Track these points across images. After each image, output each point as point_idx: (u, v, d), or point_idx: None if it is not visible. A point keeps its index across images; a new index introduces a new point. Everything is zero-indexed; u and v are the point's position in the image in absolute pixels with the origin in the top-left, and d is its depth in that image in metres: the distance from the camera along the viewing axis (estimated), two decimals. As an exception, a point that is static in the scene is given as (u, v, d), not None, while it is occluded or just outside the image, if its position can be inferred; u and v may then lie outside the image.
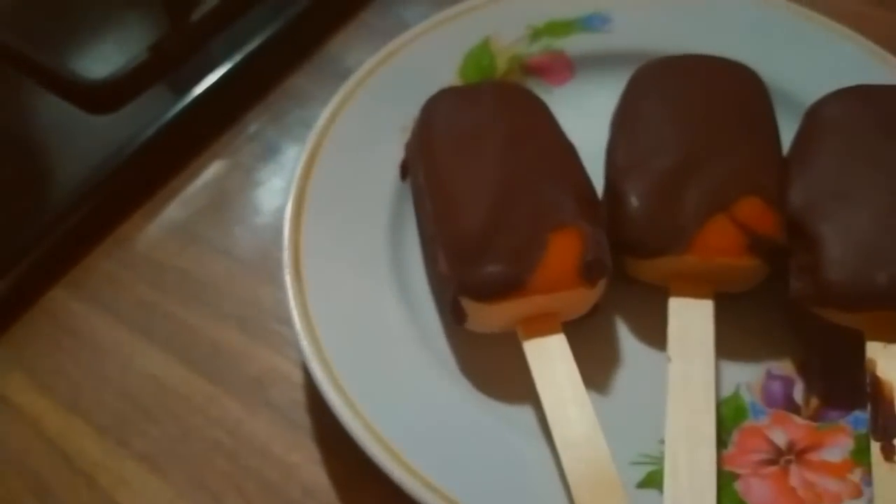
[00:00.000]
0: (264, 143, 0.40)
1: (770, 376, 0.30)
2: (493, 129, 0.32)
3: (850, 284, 0.27)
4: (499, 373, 0.30)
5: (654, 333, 0.30)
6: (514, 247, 0.29)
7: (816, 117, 0.33)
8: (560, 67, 0.39)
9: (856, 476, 0.27)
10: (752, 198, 0.30)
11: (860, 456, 0.27)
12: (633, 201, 0.30)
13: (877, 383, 0.27)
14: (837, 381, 0.30)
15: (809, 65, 0.37)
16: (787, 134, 0.33)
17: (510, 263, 0.28)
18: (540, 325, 0.29)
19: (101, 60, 0.41)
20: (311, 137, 0.35)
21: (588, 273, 0.29)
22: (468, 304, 0.29)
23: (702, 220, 0.29)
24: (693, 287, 0.30)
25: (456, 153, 0.32)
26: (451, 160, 0.31)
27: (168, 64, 0.40)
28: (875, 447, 0.26)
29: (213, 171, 0.39)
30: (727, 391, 0.30)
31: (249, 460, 0.30)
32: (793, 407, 0.30)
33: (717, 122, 0.32)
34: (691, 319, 0.29)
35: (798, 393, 0.30)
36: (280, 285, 0.31)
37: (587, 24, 0.40)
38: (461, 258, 0.29)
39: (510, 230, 0.29)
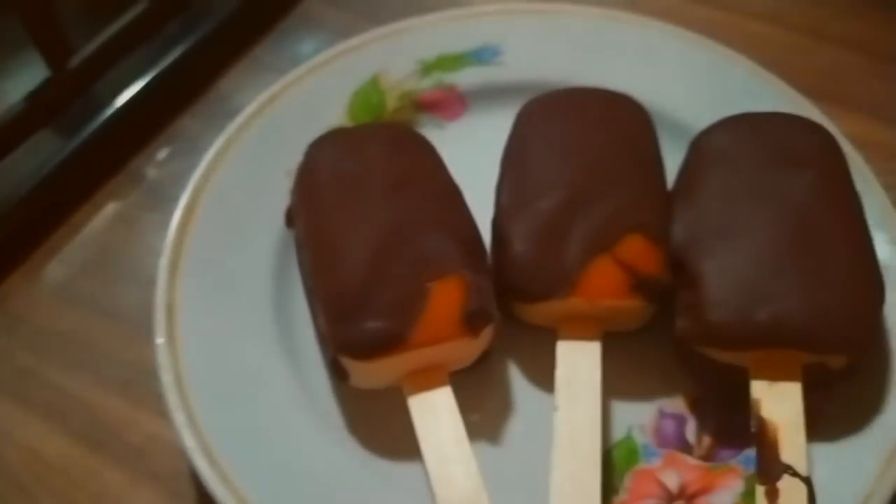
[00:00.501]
0: (151, 191, 0.38)
1: (662, 415, 0.30)
2: (376, 175, 0.31)
3: (732, 324, 0.27)
4: (387, 430, 0.29)
5: (548, 377, 0.29)
6: (394, 300, 0.28)
7: (701, 149, 0.32)
8: (452, 102, 0.38)
9: (745, 519, 0.27)
10: (635, 236, 0.29)
11: (749, 498, 0.27)
12: (517, 245, 0.29)
13: (762, 425, 0.26)
14: (729, 419, 0.29)
15: (699, 92, 0.37)
16: (675, 162, 0.33)
17: (389, 318, 0.27)
18: (425, 379, 0.28)
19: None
20: (189, 187, 0.33)
21: (471, 322, 0.28)
22: (348, 363, 0.28)
23: (585, 262, 0.29)
24: (581, 329, 0.29)
25: (337, 201, 0.31)
26: (332, 209, 0.30)
27: (47, 113, 0.38)
28: (760, 491, 0.25)
29: (96, 223, 0.37)
30: (619, 434, 0.30)
31: (132, 535, 0.29)
32: (685, 447, 0.29)
33: (601, 159, 0.32)
34: (578, 364, 0.29)
35: (690, 431, 0.30)
36: (164, 345, 0.30)
37: (478, 57, 0.39)
38: (338, 314, 0.28)
39: (390, 282, 0.28)
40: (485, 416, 0.29)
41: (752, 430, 0.26)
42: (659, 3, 0.45)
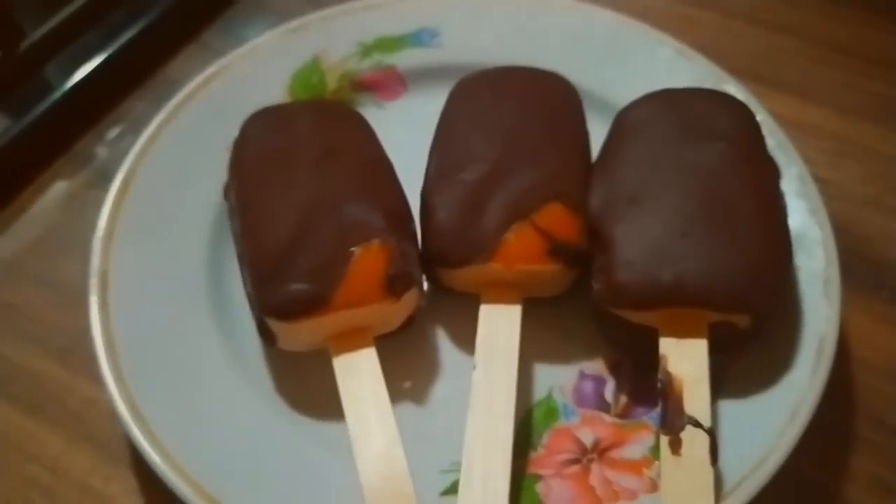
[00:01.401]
0: (96, 170, 0.39)
1: (582, 376, 0.31)
2: (306, 148, 0.32)
3: (639, 284, 0.28)
4: (313, 391, 0.30)
5: (472, 342, 0.31)
6: (318, 263, 0.29)
7: (622, 122, 0.34)
8: (392, 82, 0.40)
9: (653, 472, 0.28)
10: (553, 205, 0.31)
11: (659, 452, 0.28)
12: (440, 213, 0.31)
13: (667, 378, 0.28)
14: (646, 379, 0.30)
15: (626, 71, 0.38)
16: (600, 136, 0.34)
17: (312, 281, 0.28)
18: (350, 341, 0.29)
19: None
20: (127, 160, 0.34)
21: (392, 286, 0.29)
22: (274, 325, 0.29)
23: (504, 229, 0.30)
24: (502, 294, 0.30)
25: (266, 172, 0.32)
26: (261, 180, 0.31)
27: (-3, 93, 0.39)
28: (664, 441, 0.26)
29: (43, 202, 0.38)
30: (540, 394, 0.31)
31: (68, 495, 0.30)
32: (604, 406, 0.30)
33: (525, 133, 0.33)
34: (498, 326, 0.30)
35: (609, 392, 0.31)
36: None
37: (416, 39, 0.40)
38: (263, 278, 0.29)
39: (314, 248, 0.29)
40: (412, 379, 0.31)
41: (658, 385, 0.28)
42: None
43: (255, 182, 0.31)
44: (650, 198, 0.30)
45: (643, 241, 0.29)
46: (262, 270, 0.29)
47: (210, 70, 0.38)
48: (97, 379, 0.32)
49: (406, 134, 0.35)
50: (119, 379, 0.28)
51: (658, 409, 0.29)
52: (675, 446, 0.26)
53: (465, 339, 0.31)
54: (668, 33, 0.40)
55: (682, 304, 0.28)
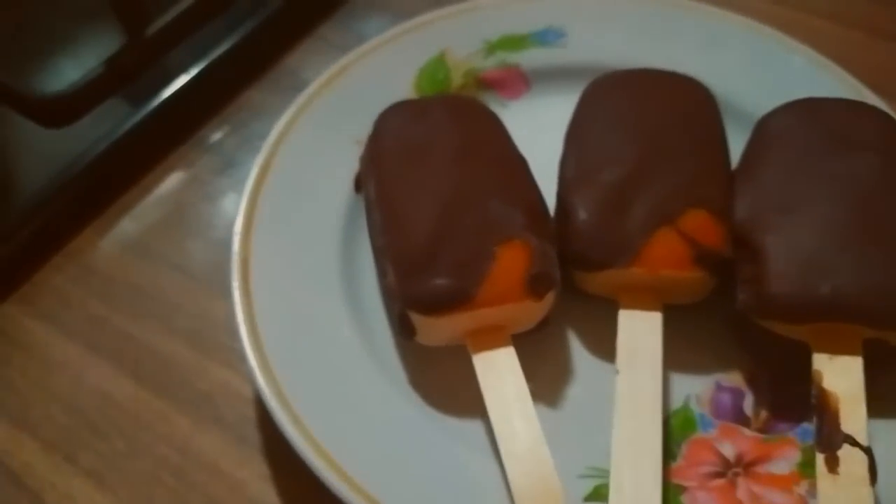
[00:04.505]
0: (220, 157, 0.40)
1: (719, 388, 0.30)
2: (444, 142, 0.32)
3: (794, 296, 0.28)
4: (449, 386, 0.30)
5: (605, 346, 0.30)
6: (461, 259, 0.29)
7: (764, 130, 0.33)
8: (515, 81, 0.39)
9: (801, 489, 0.27)
10: (698, 210, 0.30)
11: (806, 468, 0.27)
12: (580, 214, 0.30)
13: (822, 395, 0.27)
14: (786, 393, 0.30)
15: (761, 78, 0.38)
16: (739, 147, 0.33)
17: (457, 276, 0.28)
18: (489, 338, 0.29)
19: (56, 73, 0.40)
20: (264, 150, 0.35)
21: (534, 286, 0.29)
22: (416, 318, 0.29)
23: (648, 233, 0.29)
24: (642, 299, 0.30)
25: (406, 166, 0.32)
26: (401, 173, 0.31)
27: (123, 78, 0.40)
28: (820, 459, 0.26)
29: (167, 184, 0.39)
30: (676, 403, 0.30)
31: (197, 476, 0.30)
32: (742, 419, 0.30)
33: (666, 136, 0.32)
34: (640, 332, 0.29)
35: (748, 405, 0.30)
36: (231, 300, 0.31)
37: (541, 38, 0.40)
38: (408, 271, 0.29)
39: (457, 243, 0.29)
40: (543, 380, 0.30)
41: (813, 400, 0.27)
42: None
43: (394, 175, 0.31)
44: (801, 208, 0.29)
45: (797, 251, 0.28)
46: (406, 263, 0.29)
47: (340, 63, 0.38)
48: (226, 362, 0.33)
49: (529, 133, 0.34)
50: (264, 367, 0.28)
51: (801, 425, 0.29)
52: (832, 465, 0.26)
53: (597, 341, 0.31)
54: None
55: (838, 319, 0.27)
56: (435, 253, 0.29)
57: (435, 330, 0.29)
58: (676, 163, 0.31)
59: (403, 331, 0.29)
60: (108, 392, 0.32)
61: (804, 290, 0.27)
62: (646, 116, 0.33)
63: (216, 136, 0.41)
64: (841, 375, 0.27)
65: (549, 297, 0.29)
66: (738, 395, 0.30)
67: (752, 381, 0.30)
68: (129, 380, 0.32)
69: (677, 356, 0.30)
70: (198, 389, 0.32)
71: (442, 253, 0.29)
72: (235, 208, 0.37)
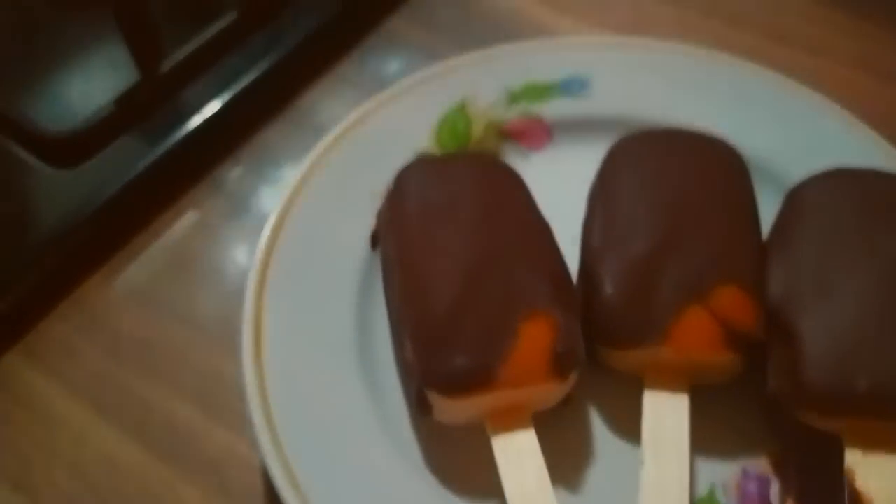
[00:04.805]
0: (232, 200, 0.39)
1: (746, 476, 0.29)
2: (467, 206, 0.31)
3: (829, 388, 0.26)
4: (466, 466, 0.29)
5: (629, 423, 0.29)
6: (483, 335, 0.28)
7: (798, 201, 0.32)
8: (537, 132, 0.38)
9: (831, 586, 0.26)
10: (729, 286, 0.29)
11: (836, 565, 0.26)
12: (607, 288, 0.29)
13: (855, 496, 0.26)
14: (814, 482, 0.29)
15: (791, 138, 0.37)
16: (767, 209, 0.32)
17: (478, 355, 0.27)
18: (509, 419, 0.28)
19: (65, 109, 0.39)
20: (278, 206, 0.34)
21: (559, 366, 0.28)
22: (434, 397, 0.28)
23: (677, 311, 0.28)
24: (668, 379, 0.29)
25: (427, 230, 0.30)
26: (422, 237, 0.30)
27: (136, 115, 0.39)
28: (851, 561, 0.25)
29: (177, 229, 0.38)
30: (702, 491, 0.29)
31: (204, 551, 0.29)
32: (769, 508, 0.29)
33: (695, 204, 0.31)
34: (666, 417, 0.28)
35: (774, 494, 0.29)
36: (240, 359, 0.30)
37: (565, 88, 0.39)
38: (427, 348, 0.28)
39: (479, 316, 0.28)
40: (564, 461, 0.29)
41: (847, 501, 0.26)
42: (744, 42, 0.44)
43: (413, 240, 0.30)
44: (838, 288, 0.28)
45: (834, 339, 0.27)
46: (426, 339, 0.28)
47: (358, 112, 0.37)
48: (233, 426, 0.32)
49: (551, 185, 0.33)
50: (274, 442, 0.27)
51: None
52: (866, 569, 0.25)
53: (620, 418, 0.30)
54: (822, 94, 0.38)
55: (875, 416, 0.26)
56: (456, 327, 0.28)
57: (453, 409, 0.28)
58: (706, 234, 0.30)
59: (420, 408, 0.28)
60: (113, 456, 0.31)
61: (840, 382, 0.26)
62: (674, 182, 0.32)
63: (228, 177, 0.40)
64: (876, 475, 0.26)
65: (574, 376, 0.28)
66: (764, 483, 0.29)
67: (779, 468, 0.29)
68: (134, 443, 0.31)
69: (703, 439, 0.29)
70: (205, 455, 0.31)
71: (463, 327, 0.28)
72: (246, 256, 0.37)
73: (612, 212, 0.32)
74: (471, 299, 0.28)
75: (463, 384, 0.27)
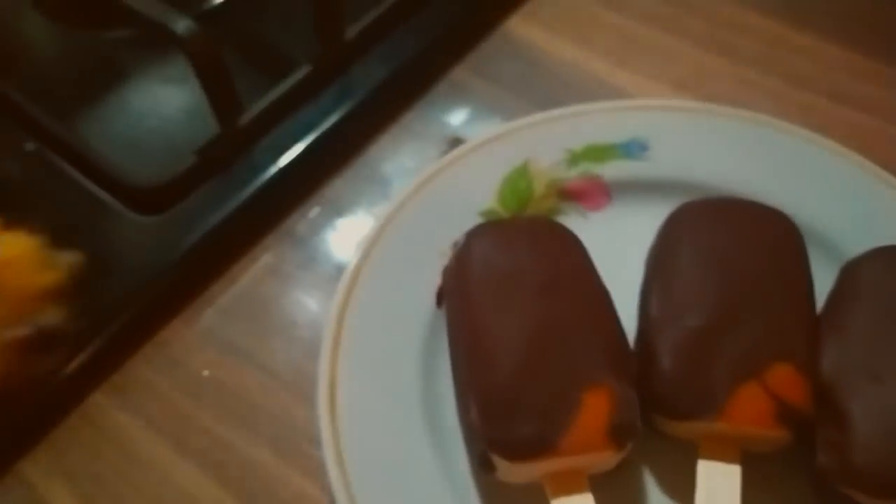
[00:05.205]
0: (303, 250, 0.41)
1: (795, 544, 0.31)
2: (530, 273, 0.32)
3: (878, 472, 0.28)
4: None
5: (682, 487, 0.31)
6: (547, 405, 0.29)
7: (852, 278, 0.33)
8: (597, 192, 0.40)
9: None
10: (784, 364, 0.30)
11: None
12: (665, 362, 0.31)
13: (900, 573, 0.27)
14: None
15: (847, 209, 0.37)
16: (821, 278, 0.33)
17: (541, 424, 0.29)
18: (567, 481, 0.30)
19: (151, 159, 0.42)
20: (351, 262, 0.36)
21: (617, 436, 0.29)
22: (497, 459, 0.29)
23: (733, 387, 0.30)
24: (721, 448, 0.30)
25: (492, 296, 0.32)
26: (487, 303, 0.32)
27: (214, 168, 0.41)
28: None
29: (251, 277, 0.40)
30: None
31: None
32: (816, 579, 0.30)
33: (753, 278, 0.32)
34: (718, 485, 0.29)
35: (821, 562, 0.30)
36: (312, 404, 0.32)
37: (626, 150, 0.40)
38: (492, 414, 0.29)
39: (542, 385, 0.30)
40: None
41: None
42: (802, 100, 0.45)
43: (479, 305, 0.32)
44: (890, 371, 0.29)
45: (884, 423, 0.28)
46: (491, 405, 0.29)
47: (426, 172, 0.39)
48: (306, 470, 0.34)
49: (608, 245, 0.35)
50: (346, 487, 0.29)
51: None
52: None
53: (674, 482, 0.32)
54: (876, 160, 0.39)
55: (924, 499, 0.27)
56: (520, 395, 0.29)
57: (515, 471, 0.30)
58: (763, 309, 0.31)
59: (483, 467, 0.30)
60: (194, 495, 0.33)
61: (889, 466, 0.27)
62: (732, 255, 0.33)
63: (300, 227, 0.42)
64: (922, 555, 0.27)
65: (630, 445, 0.30)
66: (813, 551, 0.30)
67: (827, 538, 0.31)
68: (214, 483, 0.34)
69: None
70: (279, 497, 0.33)
71: (526, 396, 0.29)
72: (316, 303, 0.39)
73: (670, 282, 0.33)
74: (534, 368, 0.30)
75: (525, 451, 0.29)
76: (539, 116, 0.41)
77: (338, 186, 0.43)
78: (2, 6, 0.51)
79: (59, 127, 0.43)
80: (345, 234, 0.41)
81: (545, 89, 0.46)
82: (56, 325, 0.17)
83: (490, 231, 0.35)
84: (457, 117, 0.45)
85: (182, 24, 0.38)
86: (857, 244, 0.34)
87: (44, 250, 0.16)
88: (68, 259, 0.16)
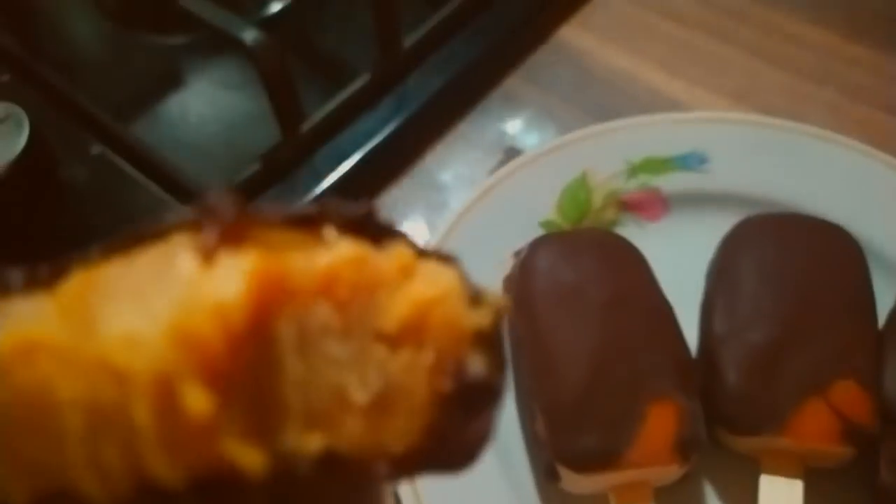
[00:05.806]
0: (363, 258, 0.42)
1: (855, 558, 0.31)
2: (595, 288, 0.33)
3: (945, 490, 0.28)
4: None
5: (744, 501, 0.31)
6: (613, 417, 0.30)
7: (915, 296, 0.33)
8: (655, 204, 0.40)
9: None
10: (847, 381, 0.30)
11: None
12: (730, 376, 0.31)
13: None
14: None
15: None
16: (882, 293, 0.33)
17: (607, 437, 0.29)
18: (632, 493, 0.30)
19: (216, 165, 0.43)
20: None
21: (682, 450, 0.30)
22: (563, 470, 0.30)
23: (797, 403, 0.30)
24: (784, 463, 0.31)
25: (556, 309, 0.33)
26: (552, 316, 0.33)
27: (277, 174, 0.42)
28: None
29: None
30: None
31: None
32: (876, 592, 0.30)
33: (816, 294, 0.33)
34: (781, 502, 0.30)
35: (882, 577, 0.30)
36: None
37: (684, 162, 0.40)
38: (560, 425, 0.30)
39: (609, 398, 0.30)
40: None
41: None
42: (857, 113, 0.45)
43: (543, 318, 0.33)
44: (955, 392, 0.30)
45: (951, 443, 0.29)
46: (559, 416, 0.30)
47: (486, 183, 0.39)
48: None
49: (666, 256, 0.35)
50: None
51: None
52: None
53: (736, 494, 0.32)
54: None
55: None
56: (586, 408, 0.30)
57: (580, 482, 0.30)
58: (827, 326, 0.32)
59: (549, 477, 0.31)
60: None
61: (956, 486, 0.28)
62: (795, 271, 0.33)
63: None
64: None
65: (695, 458, 0.30)
66: (874, 568, 0.31)
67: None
68: None
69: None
70: None
71: (593, 409, 0.30)
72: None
73: (733, 297, 0.33)
74: (600, 382, 0.30)
75: (592, 463, 0.29)
76: (597, 128, 0.41)
77: (395, 194, 0.44)
78: (66, 9, 0.52)
79: (124, 130, 0.44)
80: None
81: (598, 98, 0.46)
82: (484, 378, 0.15)
83: (554, 242, 0.35)
84: (511, 126, 0.46)
85: (250, 34, 0.38)
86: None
87: (469, 284, 0.15)
88: (494, 298, 0.15)
